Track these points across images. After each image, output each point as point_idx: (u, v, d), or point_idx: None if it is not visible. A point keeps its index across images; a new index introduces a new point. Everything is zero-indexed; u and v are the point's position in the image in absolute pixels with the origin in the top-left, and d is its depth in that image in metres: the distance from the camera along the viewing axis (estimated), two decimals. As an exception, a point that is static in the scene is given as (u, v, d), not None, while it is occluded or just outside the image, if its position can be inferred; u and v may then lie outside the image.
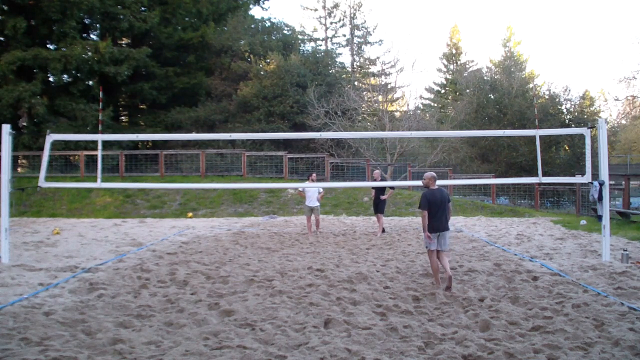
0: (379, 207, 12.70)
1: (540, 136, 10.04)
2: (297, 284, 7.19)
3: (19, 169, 24.22)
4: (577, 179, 12.01)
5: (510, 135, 24.29)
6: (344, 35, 40.85)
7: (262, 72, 28.75)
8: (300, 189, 12.60)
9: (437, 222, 7.19)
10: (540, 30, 77.23)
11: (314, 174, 12.82)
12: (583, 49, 77.73)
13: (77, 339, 4.85)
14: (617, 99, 36.04)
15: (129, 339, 4.87)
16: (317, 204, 12.57)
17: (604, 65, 73.50)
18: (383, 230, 12.83)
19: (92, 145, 20.11)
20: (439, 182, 7.72)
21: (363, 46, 40.92)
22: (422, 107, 40.61)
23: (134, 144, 26.34)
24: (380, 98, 30.48)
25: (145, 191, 20.30)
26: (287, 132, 23.76)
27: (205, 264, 8.76)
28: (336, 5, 40.10)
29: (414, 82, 76.38)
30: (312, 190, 12.46)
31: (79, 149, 22.61)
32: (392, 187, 13.76)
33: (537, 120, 12.77)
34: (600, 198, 9.19)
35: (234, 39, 29.82)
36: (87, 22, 27.80)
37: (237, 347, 4.64)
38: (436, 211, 7.18)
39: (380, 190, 12.68)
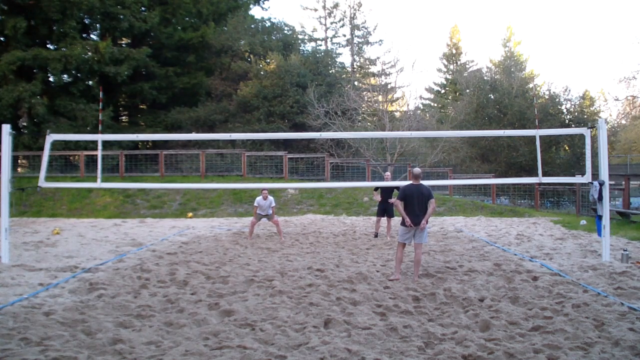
0: (388, 210, 12.15)
1: (540, 136, 10.05)
2: (297, 284, 7.19)
3: (19, 169, 24.18)
4: (577, 179, 11.99)
5: (510, 135, 24.26)
6: (344, 35, 40.81)
7: (262, 72, 28.73)
8: (255, 204, 12.43)
9: (412, 216, 7.50)
10: (540, 30, 77.26)
11: (265, 190, 12.53)
12: (583, 49, 77.76)
13: (77, 339, 4.85)
14: (617, 99, 36.08)
15: (129, 339, 4.87)
16: (270, 212, 12.25)
17: (604, 65, 73.48)
18: (376, 235, 12.47)
19: (92, 145, 20.11)
20: (439, 182, 7.83)
21: (363, 46, 40.84)
22: (422, 107, 40.57)
23: (134, 144, 26.32)
24: (380, 98, 30.49)
25: (145, 191, 20.29)
26: (287, 132, 23.74)
27: (205, 264, 8.76)
28: (336, 5, 40.05)
29: (414, 82, 76.31)
30: (266, 203, 12.24)
31: (79, 149, 22.60)
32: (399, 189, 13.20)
33: (537, 120, 12.76)
34: (600, 198, 9.19)
35: (234, 39, 29.81)
36: (87, 22, 27.76)
37: (237, 347, 4.64)
38: (411, 205, 7.52)
39: (388, 194, 12.12)
